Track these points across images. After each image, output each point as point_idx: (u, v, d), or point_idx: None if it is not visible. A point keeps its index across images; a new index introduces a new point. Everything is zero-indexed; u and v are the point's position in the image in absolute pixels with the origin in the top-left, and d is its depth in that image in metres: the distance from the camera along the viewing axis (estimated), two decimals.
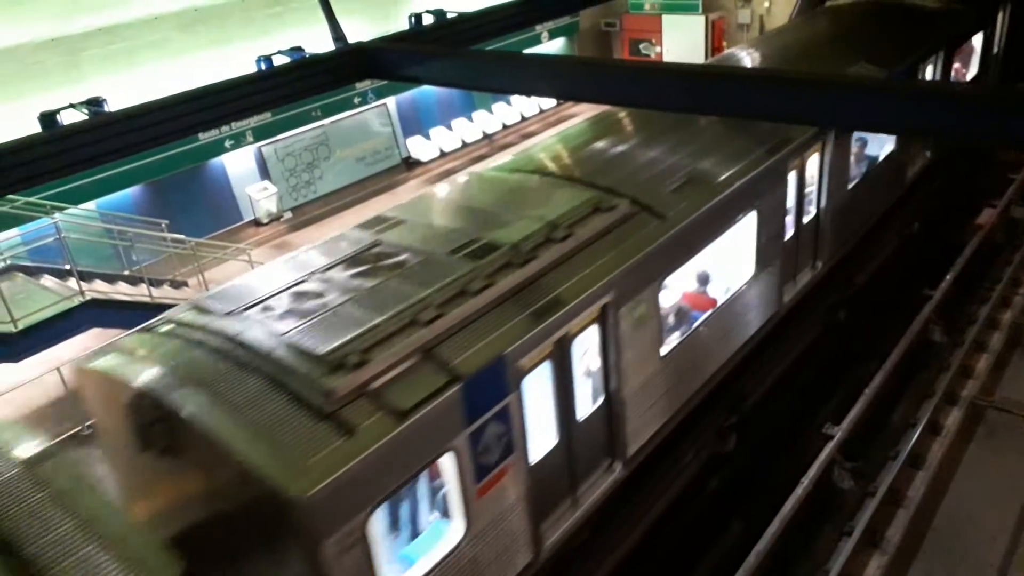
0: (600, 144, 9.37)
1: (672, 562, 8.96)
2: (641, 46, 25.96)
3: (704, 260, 8.69)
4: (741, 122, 9.21)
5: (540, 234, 7.01)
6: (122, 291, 14.24)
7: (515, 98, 23.89)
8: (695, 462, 9.16)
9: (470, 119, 23.21)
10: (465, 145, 22.84)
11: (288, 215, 19.34)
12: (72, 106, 14.16)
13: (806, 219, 10.37)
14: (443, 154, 22.35)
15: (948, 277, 12.49)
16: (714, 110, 5.78)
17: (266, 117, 17.59)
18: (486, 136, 23.30)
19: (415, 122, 22.22)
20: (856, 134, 11.04)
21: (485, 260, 6.60)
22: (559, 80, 5.90)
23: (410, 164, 21.95)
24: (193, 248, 15.81)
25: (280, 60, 15.45)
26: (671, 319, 8.55)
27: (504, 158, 9.83)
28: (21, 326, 11.78)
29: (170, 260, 15.90)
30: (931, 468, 9.00)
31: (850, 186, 11.15)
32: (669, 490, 8.75)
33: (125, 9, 15.80)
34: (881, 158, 12.17)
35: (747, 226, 9.00)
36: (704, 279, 9.06)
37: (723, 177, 8.64)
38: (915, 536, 8.19)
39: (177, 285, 15.51)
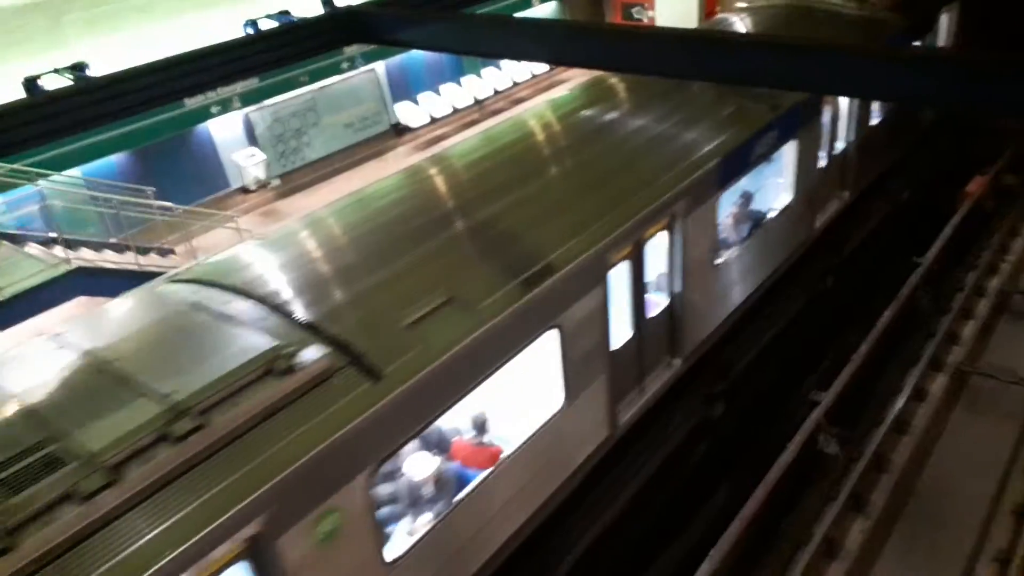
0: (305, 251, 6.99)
1: (659, 526, 9.12)
2: (633, 10, 25.71)
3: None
4: (556, 203, 7.67)
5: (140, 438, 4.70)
6: (109, 259, 14.20)
7: (506, 63, 23.70)
8: (683, 427, 9.28)
9: (459, 84, 23.03)
10: (455, 111, 22.69)
11: (276, 182, 19.23)
12: (56, 71, 14.00)
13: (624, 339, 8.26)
14: (433, 120, 22.21)
15: (937, 244, 12.57)
16: (707, 75, 5.77)
17: (253, 82, 17.44)
18: (476, 102, 23.15)
19: (404, 88, 22.04)
20: (724, 202, 9.43)
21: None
22: (550, 45, 5.89)
23: (399, 130, 21.81)
24: (180, 215, 15.75)
25: (267, 24, 15.28)
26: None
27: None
28: (7, 294, 11.75)
29: (157, 228, 15.83)
30: (916, 434, 9.14)
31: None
32: (657, 454, 8.88)
33: None
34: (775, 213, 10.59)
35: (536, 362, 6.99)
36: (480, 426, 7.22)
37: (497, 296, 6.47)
38: (898, 501, 8.34)
39: (164, 253, 15.49)
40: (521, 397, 7.17)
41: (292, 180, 19.56)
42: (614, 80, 10.42)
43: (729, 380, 9.78)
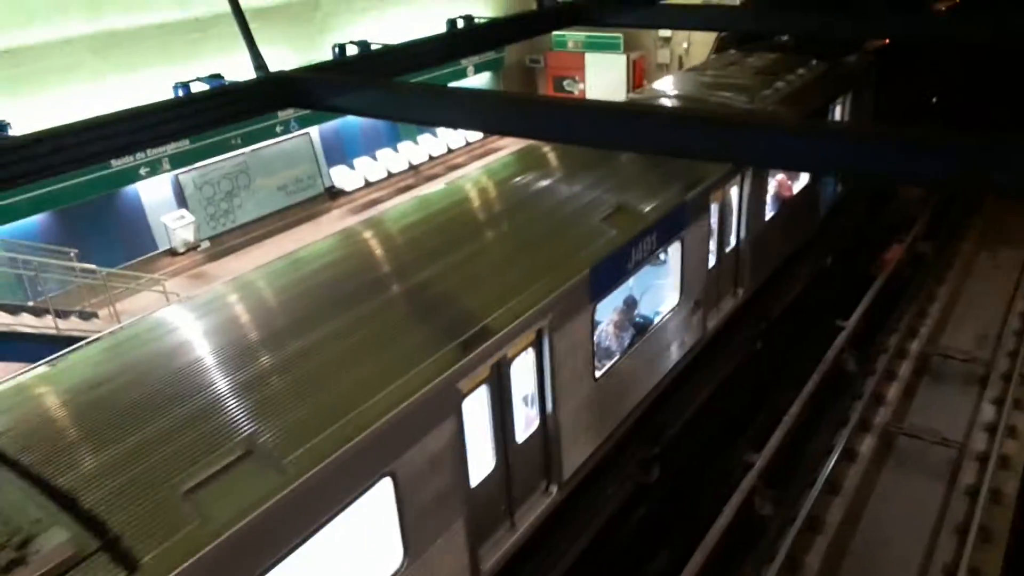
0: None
1: None
2: (565, 83, 26.48)
3: None
4: (412, 313, 6.87)
5: None
6: (26, 323, 13.60)
7: (441, 130, 24.00)
8: (619, 493, 9.22)
9: (396, 150, 23.20)
10: (391, 175, 22.79)
11: (206, 244, 18.86)
12: None
13: (527, 434, 7.71)
14: (368, 184, 22.24)
15: (860, 308, 13.01)
16: (633, 146, 5.92)
17: (184, 144, 17.19)
18: (412, 167, 23.31)
19: (339, 152, 22.07)
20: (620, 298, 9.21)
21: None
22: (484, 114, 5.95)
23: (333, 194, 21.75)
24: (104, 278, 15.26)
25: (199, 88, 15.18)
26: None
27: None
28: None
29: (80, 291, 15.29)
30: (847, 494, 9.28)
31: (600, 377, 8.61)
32: (594, 521, 8.78)
33: (33, 30, 15.26)
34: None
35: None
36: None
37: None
38: (833, 562, 8.40)
39: (86, 316, 14.93)
40: (338, 569, 5.89)
41: (222, 242, 19.22)
42: (526, 158, 10.29)
43: (663, 443, 9.79)
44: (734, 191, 10.83)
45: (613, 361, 8.77)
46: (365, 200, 21.83)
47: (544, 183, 9.26)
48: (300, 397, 5.57)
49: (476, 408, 6.83)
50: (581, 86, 26.10)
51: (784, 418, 10.44)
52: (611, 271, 8.30)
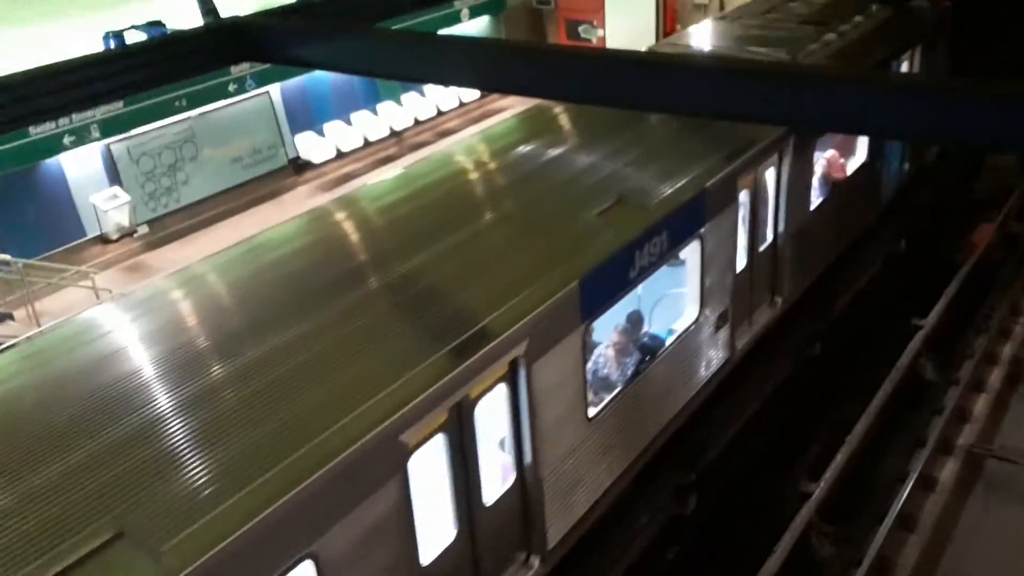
0: None
1: None
2: (580, 28, 26.38)
3: None
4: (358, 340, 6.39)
5: None
6: None
7: (430, 88, 23.93)
8: (651, 527, 9.24)
9: (374, 112, 23.12)
10: (368, 144, 22.71)
11: (144, 229, 18.86)
12: None
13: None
14: (340, 155, 22.17)
15: (940, 304, 12.99)
16: (661, 106, 5.88)
17: (117, 108, 17.17)
18: (394, 133, 23.24)
19: (306, 115, 22.00)
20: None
21: None
22: (481, 67, 5.93)
23: (299, 167, 21.71)
24: (20, 271, 15.27)
25: (135, 37, 15.16)
26: None
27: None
28: None
29: None
30: (925, 530, 9.29)
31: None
32: (622, 560, 8.80)
33: None
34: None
35: None
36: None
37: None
38: None
39: (0, 318, 14.96)
40: None
41: (164, 227, 19.21)
42: (515, 130, 10.08)
43: (702, 469, 9.81)
44: (770, 174, 10.40)
45: (613, 395, 8.31)
46: (337, 174, 21.79)
47: (533, 164, 8.98)
48: (205, 449, 5.28)
49: (430, 463, 6.39)
50: (600, 33, 26.00)
51: (848, 438, 10.45)
52: (608, 282, 7.91)
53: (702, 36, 13.09)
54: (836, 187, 12.14)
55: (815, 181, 11.70)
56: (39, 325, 14.44)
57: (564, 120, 10.05)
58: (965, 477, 10.04)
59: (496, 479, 7.12)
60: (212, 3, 6.82)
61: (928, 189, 15.65)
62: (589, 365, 8.14)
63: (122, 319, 6.52)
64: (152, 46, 6.68)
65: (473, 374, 6.47)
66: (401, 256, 7.20)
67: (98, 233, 18.37)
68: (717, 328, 9.61)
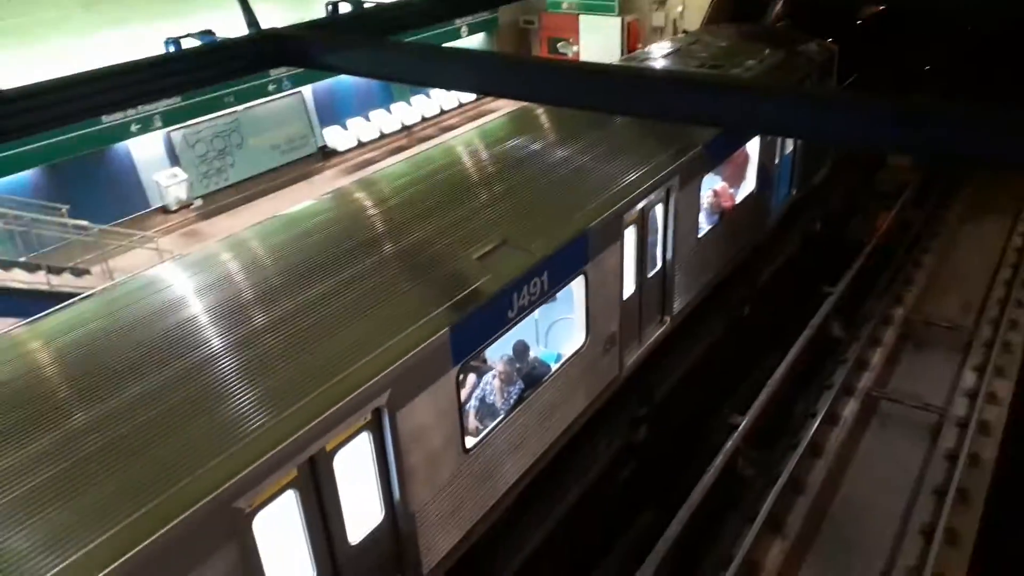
0: None
1: (585, 550, 9.11)
2: (559, 44, 26.13)
3: None
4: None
5: None
6: (18, 278, 13.53)
7: (434, 91, 23.73)
8: (608, 451, 9.31)
9: (389, 110, 22.97)
10: (383, 136, 22.61)
11: (198, 203, 18.71)
12: None
13: None
14: (361, 144, 22.07)
15: (847, 275, 13.07)
16: (625, 109, 5.84)
17: (175, 101, 16.97)
18: (405, 128, 23.12)
19: (332, 111, 21.83)
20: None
21: None
22: (477, 75, 5.87)
23: (327, 154, 21.58)
24: (96, 235, 15.16)
25: (190, 44, 14.91)
26: None
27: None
28: None
29: (72, 247, 15.18)
30: (829, 456, 9.41)
31: None
32: (583, 478, 8.87)
33: None
34: None
35: None
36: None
37: None
38: (814, 522, 8.54)
39: (79, 273, 14.84)
40: None
41: (215, 200, 19.06)
42: (422, 164, 8.75)
43: (652, 404, 9.87)
44: (658, 209, 9.26)
45: (493, 425, 7.27)
46: (358, 160, 21.67)
47: (432, 202, 7.74)
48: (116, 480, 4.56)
49: (282, 518, 5.36)
50: (575, 48, 25.75)
51: (769, 381, 10.54)
52: (483, 325, 6.81)
53: (658, 53, 12.86)
54: (725, 214, 11.01)
55: (703, 211, 10.55)
56: (112, 279, 14.34)
57: (472, 155, 8.97)
58: (863, 415, 10.16)
59: (363, 519, 6.07)
60: (254, 16, 6.72)
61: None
62: (471, 398, 7.34)
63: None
64: (205, 51, 6.58)
65: (326, 429, 5.40)
66: (273, 300, 6.08)
67: (160, 205, 18.24)
68: (606, 350, 8.62)
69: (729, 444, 9.43)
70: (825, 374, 11.07)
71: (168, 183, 18.01)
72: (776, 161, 12.18)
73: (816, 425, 9.67)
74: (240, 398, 5.20)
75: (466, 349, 6.60)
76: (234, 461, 4.83)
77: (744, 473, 9.54)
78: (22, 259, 14.13)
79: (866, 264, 13.59)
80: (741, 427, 9.69)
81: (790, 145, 12.53)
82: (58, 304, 6.34)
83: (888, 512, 8.61)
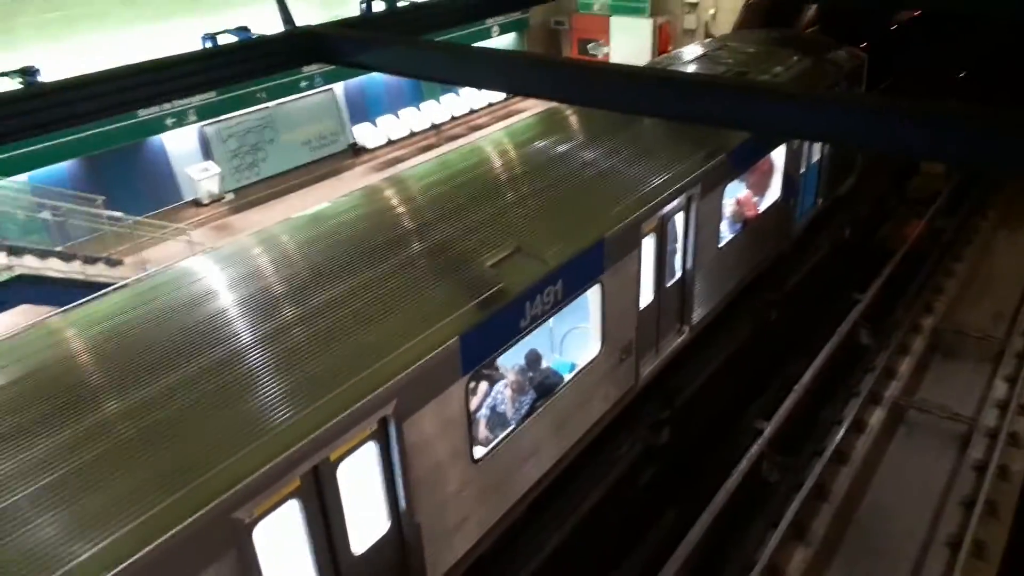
0: None
1: (606, 552, 9.08)
2: (589, 46, 26.06)
3: None
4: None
5: None
6: (54, 267, 13.77)
7: (464, 90, 23.78)
8: (630, 454, 9.27)
9: (418, 108, 23.04)
10: (413, 134, 22.68)
11: (230, 196, 18.90)
12: (4, 74, 13.60)
13: None
14: (390, 142, 22.15)
15: (876, 282, 12.89)
16: (656, 111, 5.79)
17: (210, 96, 17.17)
18: (434, 126, 23.17)
19: (363, 109, 21.96)
20: None
21: None
22: (507, 74, 5.86)
23: (357, 151, 21.69)
24: (131, 226, 15.39)
25: (226, 40, 15.07)
26: None
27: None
28: None
29: (106, 237, 15.42)
30: (855, 464, 9.28)
31: None
32: (604, 481, 8.83)
33: None
34: None
35: None
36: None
37: None
38: (838, 529, 8.43)
39: (113, 263, 15.08)
40: None
41: (247, 195, 19.26)
42: (448, 164, 8.61)
43: (675, 407, 9.81)
44: (679, 218, 9.03)
45: (503, 435, 7.07)
46: (387, 158, 21.76)
47: (451, 206, 7.53)
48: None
49: (284, 526, 5.25)
50: (606, 50, 25.67)
51: (796, 387, 10.43)
52: (494, 334, 6.62)
53: (683, 57, 12.61)
54: (748, 223, 10.71)
55: (725, 220, 10.23)
56: (145, 270, 14.54)
57: (495, 158, 8.77)
58: (890, 423, 10.01)
59: (367, 529, 5.94)
60: (289, 14, 6.77)
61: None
62: (482, 408, 7.12)
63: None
64: (240, 47, 6.64)
65: (331, 439, 5.27)
66: (283, 305, 5.97)
67: (193, 198, 18.46)
68: (621, 360, 8.37)
69: (754, 448, 9.35)
70: (852, 382, 10.92)
71: (201, 176, 18.22)
72: (802, 170, 12.01)
73: (842, 432, 9.55)
74: (240, 406, 5.11)
75: (476, 358, 6.42)
76: (234, 470, 4.73)
77: (769, 478, 9.45)
78: (58, 248, 14.38)
79: (896, 271, 13.39)
80: (766, 432, 9.60)
81: (816, 154, 12.36)
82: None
83: (914, 522, 8.47)
